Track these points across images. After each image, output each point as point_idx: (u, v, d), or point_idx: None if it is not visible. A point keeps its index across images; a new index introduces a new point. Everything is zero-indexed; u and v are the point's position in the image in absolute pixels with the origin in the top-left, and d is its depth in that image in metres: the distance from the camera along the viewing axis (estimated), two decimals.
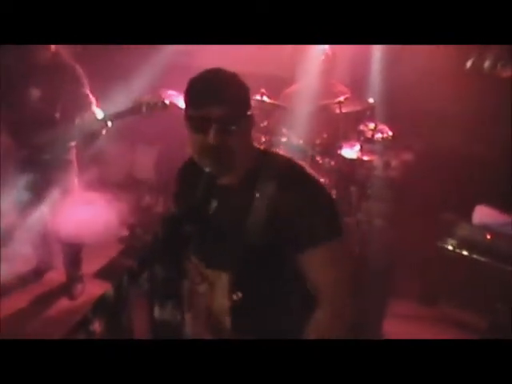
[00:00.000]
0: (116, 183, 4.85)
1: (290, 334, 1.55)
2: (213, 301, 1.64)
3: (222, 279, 1.60)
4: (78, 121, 3.18)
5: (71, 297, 3.53)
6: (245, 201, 1.57)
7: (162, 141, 4.71)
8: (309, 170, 1.62)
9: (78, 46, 3.17)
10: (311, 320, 1.55)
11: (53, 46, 3.09)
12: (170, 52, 3.91)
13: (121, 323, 1.37)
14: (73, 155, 3.35)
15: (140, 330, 1.43)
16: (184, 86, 1.53)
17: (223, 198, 1.61)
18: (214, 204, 1.61)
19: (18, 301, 3.42)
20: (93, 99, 3.25)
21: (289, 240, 1.52)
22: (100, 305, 1.36)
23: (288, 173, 1.58)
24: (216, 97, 1.47)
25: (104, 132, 3.09)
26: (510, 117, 3.84)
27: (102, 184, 3.38)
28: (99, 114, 3.18)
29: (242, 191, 1.59)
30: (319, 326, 1.54)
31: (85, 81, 3.23)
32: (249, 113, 1.57)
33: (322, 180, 1.60)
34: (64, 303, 3.49)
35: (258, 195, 1.55)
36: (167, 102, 3.06)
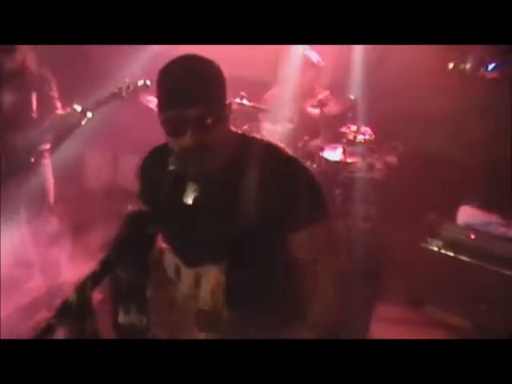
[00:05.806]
0: (99, 193, 4.83)
1: (283, 317, 1.55)
2: (200, 297, 1.58)
3: (211, 274, 1.55)
4: (55, 116, 3.11)
5: (50, 309, 3.45)
6: (228, 187, 1.52)
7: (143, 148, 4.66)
8: (290, 151, 1.57)
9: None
10: (316, 296, 1.53)
11: (21, 53, 3.02)
12: (148, 56, 3.85)
13: (85, 329, 1.31)
14: (47, 158, 3.28)
15: (105, 334, 1.37)
16: None
17: (202, 188, 1.54)
18: (191, 196, 1.55)
19: None
20: (59, 104, 3.19)
21: (276, 224, 1.49)
22: (63, 311, 1.30)
23: (271, 156, 1.54)
24: (187, 97, 1.38)
25: (83, 123, 3.01)
26: (493, 117, 3.84)
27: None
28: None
29: (224, 179, 1.53)
30: (323, 300, 1.53)
31: (53, 84, 3.18)
32: (226, 102, 1.49)
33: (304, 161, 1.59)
34: (43, 315, 3.41)
35: (241, 180, 1.50)
36: (148, 82, 2.97)
